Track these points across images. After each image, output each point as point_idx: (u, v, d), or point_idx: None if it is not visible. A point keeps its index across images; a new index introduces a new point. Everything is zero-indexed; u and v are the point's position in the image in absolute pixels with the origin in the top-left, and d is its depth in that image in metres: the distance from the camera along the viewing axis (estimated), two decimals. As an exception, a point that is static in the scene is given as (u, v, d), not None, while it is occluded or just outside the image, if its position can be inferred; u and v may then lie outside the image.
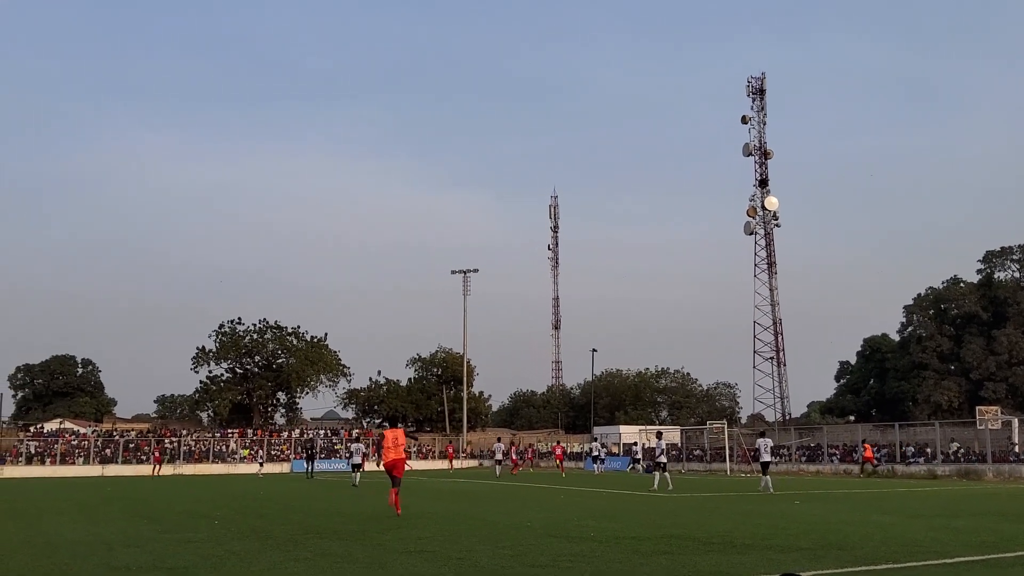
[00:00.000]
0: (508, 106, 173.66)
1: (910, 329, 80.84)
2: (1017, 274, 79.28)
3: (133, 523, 16.13)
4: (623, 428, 68.72)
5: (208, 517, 17.32)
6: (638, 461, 51.49)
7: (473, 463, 66.72)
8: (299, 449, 61.10)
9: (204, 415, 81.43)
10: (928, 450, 44.07)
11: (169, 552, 11.30)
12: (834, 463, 46.63)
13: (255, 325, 78.58)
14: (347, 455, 51.83)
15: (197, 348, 77.22)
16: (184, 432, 66.31)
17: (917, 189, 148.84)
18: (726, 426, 50.98)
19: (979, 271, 79.54)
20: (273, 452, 61.28)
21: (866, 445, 43.47)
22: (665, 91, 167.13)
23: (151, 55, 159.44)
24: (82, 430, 65.11)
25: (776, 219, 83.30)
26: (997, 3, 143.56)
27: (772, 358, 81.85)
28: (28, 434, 61.87)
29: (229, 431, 66.91)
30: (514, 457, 48.57)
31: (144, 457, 58.36)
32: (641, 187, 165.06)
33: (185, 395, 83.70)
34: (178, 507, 21.00)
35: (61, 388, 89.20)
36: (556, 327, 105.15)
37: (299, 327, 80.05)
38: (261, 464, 51.24)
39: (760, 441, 28.84)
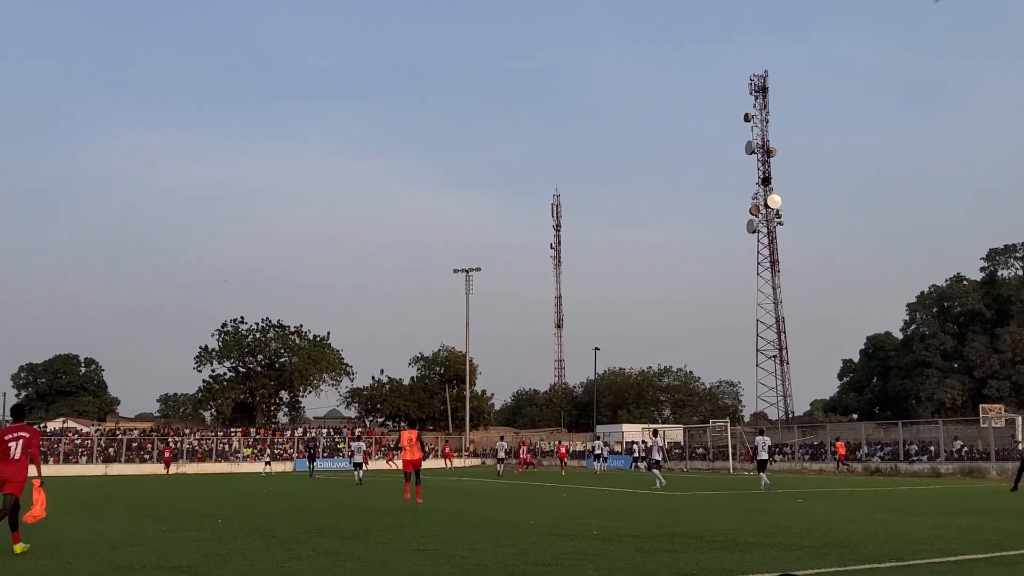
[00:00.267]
0: (509, 105, 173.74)
1: (913, 327, 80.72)
2: (1021, 272, 79.15)
3: (136, 522, 16.15)
4: (626, 427, 68.69)
5: (211, 516, 17.34)
6: (636, 459, 51.60)
7: (476, 462, 66.73)
8: (301, 448, 61.19)
9: (207, 414, 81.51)
10: (931, 448, 44.03)
11: (172, 551, 11.31)
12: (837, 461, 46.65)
13: (258, 324, 78.76)
14: (349, 454, 51.94)
15: (200, 347, 77.40)
16: (187, 431, 66.41)
17: (920, 187, 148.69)
18: (729, 425, 50.94)
19: (982, 269, 79.47)
20: (276, 451, 61.34)
21: (839, 443, 44.84)
22: (666, 91, 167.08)
23: (152, 55, 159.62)
24: (85, 429, 65.26)
25: (779, 217, 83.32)
26: (998, 2, 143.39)
27: (775, 356, 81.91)
28: (31, 434, 61.90)
29: (232, 430, 67.00)
30: (524, 455, 49.57)
31: (147, 456, 58.46)
32: (643, 186, 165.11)
33: (188, 394, 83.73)
34: (181, 506, 21.02)
35: (64, 387, 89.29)
36: (559, 326, 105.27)
37: (301, 326, 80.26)
38: (269, 463, 51.29)
39: (758, 439, 28.78)
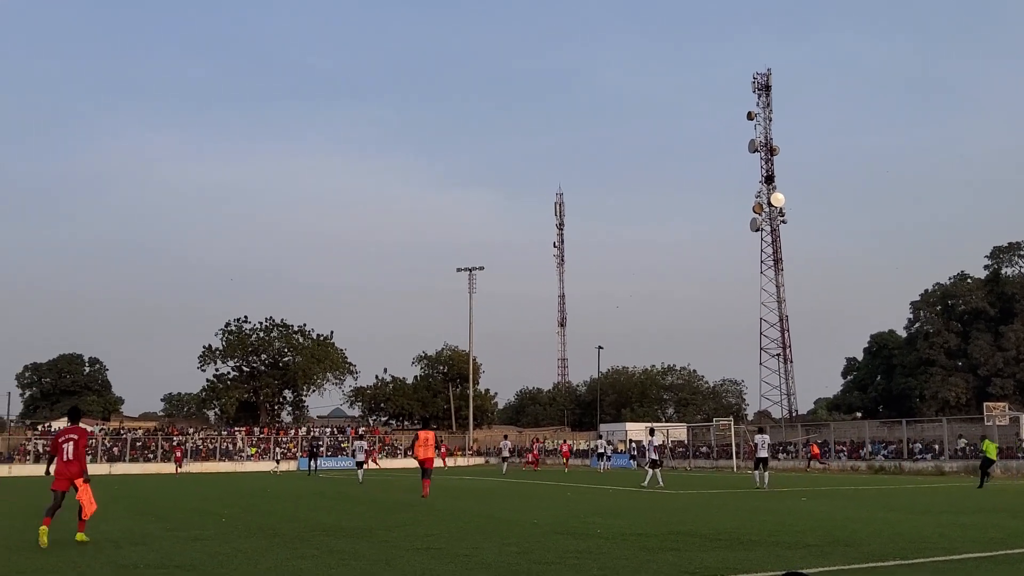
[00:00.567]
0: (511, 104, 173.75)
1: (917, 325, 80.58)
2: (1024, 270, 78.99)
3: (140, 521, 16.18)
4: (629, 425, 68.67)
5: (215, 515, 17.37)
6: (635, 458, 51.76)
7: (479, 460, 66.75)
8: (304, 447, 61.25)
9: (211, 413, 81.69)
10: (935, 446, 43.96)
11: (177, 550, 11.33)
12: (841, 460, 46.66)
13: (261, 324, 78.86)
14: (351, 452, 52.03)
15: (204, 347, 77.54)
16: (191, 430, 66.51)
17: (923, 185, 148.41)
18: (732, 423, 50.90)
19: (986, 267, 79.26)
20: (280, 450, 61.42)
21: (813, 445, 46.72)
22: (668, 90, 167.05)
23: (153, 55, 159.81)
24: (89, 428, 65.33)
25: (782, 215, 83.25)
26: (999, 1, 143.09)
27: (779, 355, 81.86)
28: (36, 433, 62.11)
29: (236, 429, 67.09)
30: (535, 452, 50.86)
31: (152, 455, 58.55)
32: (645, 185, 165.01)
33: (192, 393, 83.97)
34: (185, 505, 21.07)
35: (68, 387, 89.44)
36: (562, 325, 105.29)
37: (305, 325, 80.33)
38: (278, 462, 51.34)
39: (758, 437, 28.73)
